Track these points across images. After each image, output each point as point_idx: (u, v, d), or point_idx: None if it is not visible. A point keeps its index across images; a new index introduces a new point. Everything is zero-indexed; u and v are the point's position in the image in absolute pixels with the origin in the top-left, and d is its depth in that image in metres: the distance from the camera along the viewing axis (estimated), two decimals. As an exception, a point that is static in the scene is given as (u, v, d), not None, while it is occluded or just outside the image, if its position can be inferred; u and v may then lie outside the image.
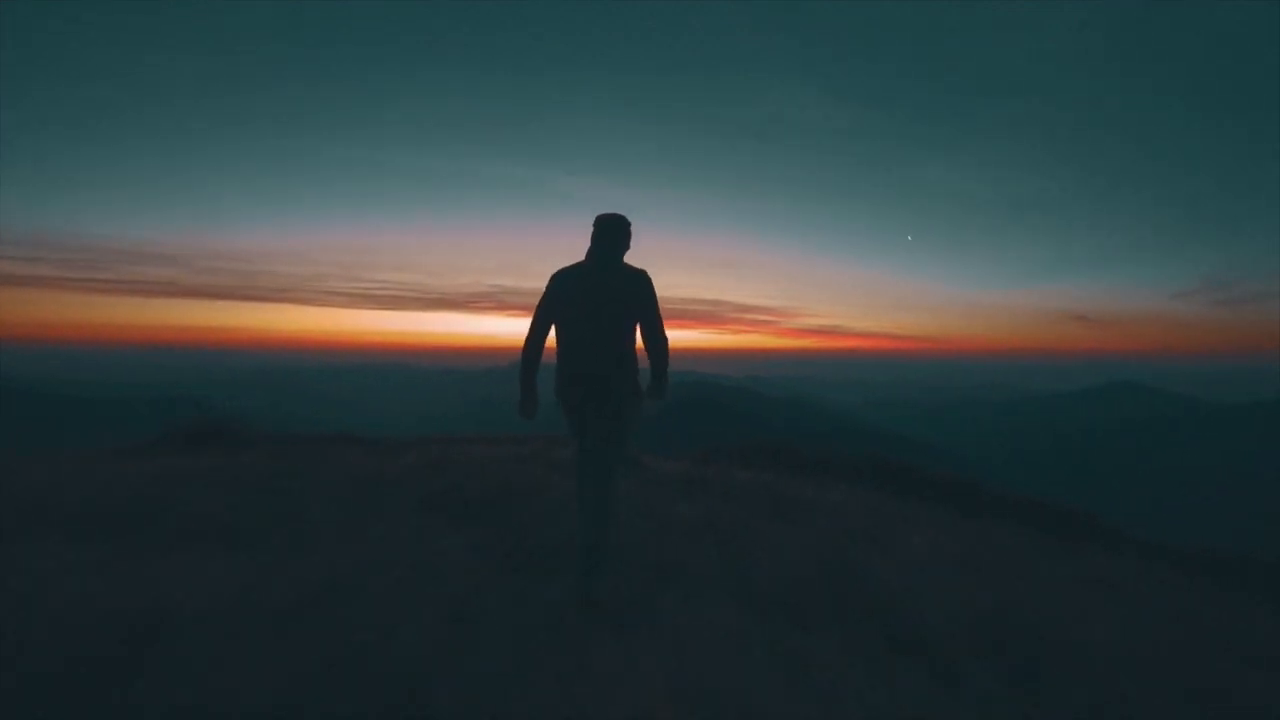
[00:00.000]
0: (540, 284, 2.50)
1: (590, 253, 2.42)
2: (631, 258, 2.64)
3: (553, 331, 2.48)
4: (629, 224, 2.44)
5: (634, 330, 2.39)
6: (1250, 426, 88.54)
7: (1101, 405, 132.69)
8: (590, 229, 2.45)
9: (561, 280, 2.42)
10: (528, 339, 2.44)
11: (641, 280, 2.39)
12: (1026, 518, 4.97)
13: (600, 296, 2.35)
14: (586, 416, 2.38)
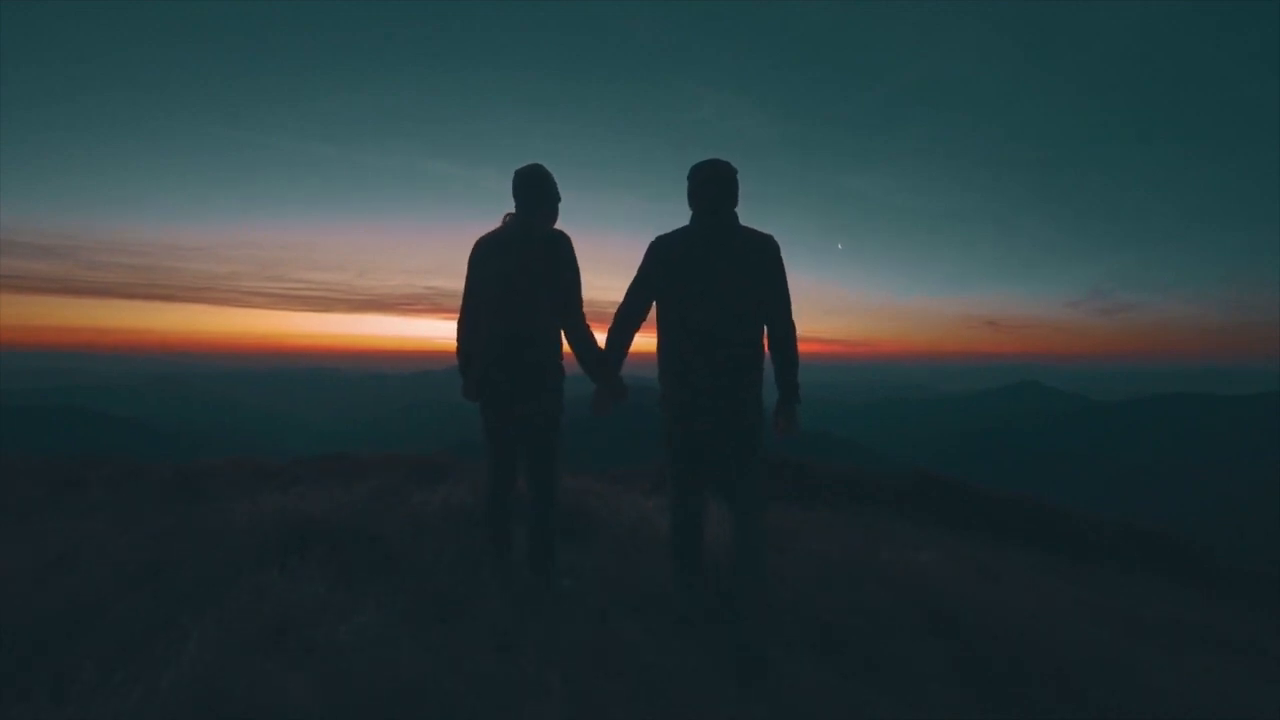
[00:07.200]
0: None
1: (697, 215, 1.74)
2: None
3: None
4: (737, 172, 1.74)
5: (762, 319, 1.73)
6: (1127, 421, 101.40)
7: (1010, 403, 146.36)
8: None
9: (665, 250, 1.73)
10: (619, 315, 1.79)
11: (770, 248, 1.72)
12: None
13: (718, 271, 1.65)
14: (707, 450, 1.72)
